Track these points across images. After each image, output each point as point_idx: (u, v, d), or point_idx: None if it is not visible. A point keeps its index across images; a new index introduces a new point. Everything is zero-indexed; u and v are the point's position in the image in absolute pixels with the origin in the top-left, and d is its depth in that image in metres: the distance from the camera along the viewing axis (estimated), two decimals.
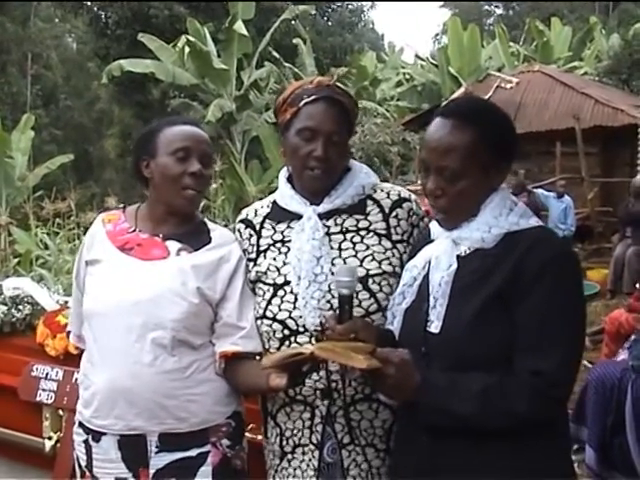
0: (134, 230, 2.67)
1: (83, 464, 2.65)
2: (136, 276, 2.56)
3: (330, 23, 39.67)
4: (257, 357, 2.58)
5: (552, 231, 2.32)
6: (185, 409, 2.52)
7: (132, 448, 2.54)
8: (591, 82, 22.28)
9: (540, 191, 14.08)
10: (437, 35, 59.09)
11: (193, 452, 2.55)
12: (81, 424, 2.65)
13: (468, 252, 2.22)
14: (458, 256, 2.22)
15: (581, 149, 16.03)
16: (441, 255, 2.25)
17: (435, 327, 2.19)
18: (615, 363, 5.30)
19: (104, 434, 2.56)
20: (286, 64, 28.60)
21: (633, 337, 5.13)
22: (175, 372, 2.51)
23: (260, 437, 2.86)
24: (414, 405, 2.13)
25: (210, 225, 2.72)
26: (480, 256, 2.17)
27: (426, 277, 2.29)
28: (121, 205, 2.84)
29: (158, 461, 2.54)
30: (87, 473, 2.64)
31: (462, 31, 28.33)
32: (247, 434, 2.94)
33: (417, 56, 37.07)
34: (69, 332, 2.92)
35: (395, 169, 21.38)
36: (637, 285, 7.41)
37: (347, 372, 2.25)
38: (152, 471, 2.54)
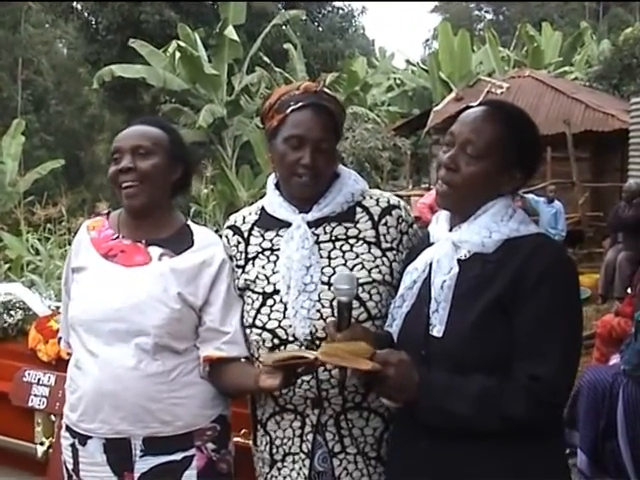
0: (117, 237, 2.66)
1: (70, 467, 2.65)
2: (119, 283, 2.56)
3: (321, 28, 39.66)
4: (243, 359, 2.57)
5: (551, 238, 2.32)
6: (170, 412, 2.51)
7: (117, 452, 2.54)
8: (581, 87, 22.37)
9: (531, 196, 14.11)
10: (428, 40, 59.28)
11: (178, 456, 2.54)
12: (68, 428, 2.65)
13: (468, 256, 2.22)
14: (459, 260, 2.23)
15: (572, 154, 16.11)
16: (442, 258, 2.25)
17: (438, 331, 2.19)
18: (607, 367, 5.32)
19: (90, 438, 2.56)
20: (277, 69, 28.62)
21: (626, 341, 5.14)
22: (159, 376, 2.50)
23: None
24: (413, 406, 2.14)
25: (193, 227, 2.70)
26: (480, 261, 2.19)
27: (426, 280, 2.29)
28: (105, 211, 2.83)
29: (143, 465, 2.53)
30: (74, 477, 2.64)
31: (452, 36, 28.46)
32: (239, 439, 2.95)
33: (408, 61, 37.24)
34: (60, 338, 2.92)
35: (386, 174, 21.43)
36: (628, 290, 7.43)
37: (347, 376, 2.25)
38: (137, 475, 2.54)
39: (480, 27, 54.20)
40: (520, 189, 2.32)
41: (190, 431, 2.55)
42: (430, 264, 2.29)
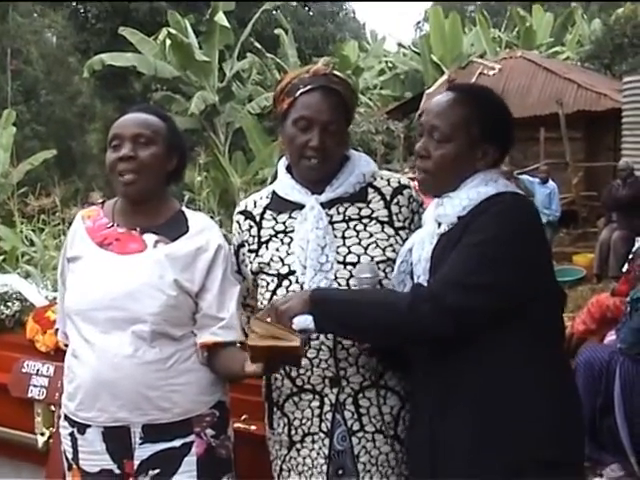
0: (112, 225, 2.67)
1: (70, 457, 2.67)
2: (114, 271, 2.57)
3: (311, 13, 39.53)
4: (238, 344, 2.58)
5: (519, 195, 2.35)
6: (168, 399, 2.53)
7: (116, 440, 2.55)
8: (573, 67, 22.34)
9: (525, 177, 14.14)
10: (419, 23, 58.81)
11: (177, 442, 2.56)
12: (66, 417, 2.67)
13: (447, 229, 2.32)
14: (440, 234, 2.33)
15: (565, 134, 16.08)
16: (425, 236, 2.37)
17: None
18: (603, 346, 5.33)
19: (89, 426, 2.58)
20: (268, 55, 28.58)
21: (622, 320, 5.16)
22: (156, 363, 2.52)
23: (254, 427, 2.88)
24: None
25: (188, 213, 2.72)
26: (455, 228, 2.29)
27: None
28: (100, 201, 2.84)
29: (142, 452, 2.55)
30: (74, 465, 2.65)
31: (443, 19, 28.34)
32: (240, 424, 2.96)
33: (399, 44, 37.08)
34: (57, 329, 2.93)
35: (379, 158, 21.39)
36: (623, 269, 7.43)
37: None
38: (137, 462, 2.56)
39: (471, 9, 54.00)
40: (498, 163, 2.38)
41: (189, 417, 2.57)
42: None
